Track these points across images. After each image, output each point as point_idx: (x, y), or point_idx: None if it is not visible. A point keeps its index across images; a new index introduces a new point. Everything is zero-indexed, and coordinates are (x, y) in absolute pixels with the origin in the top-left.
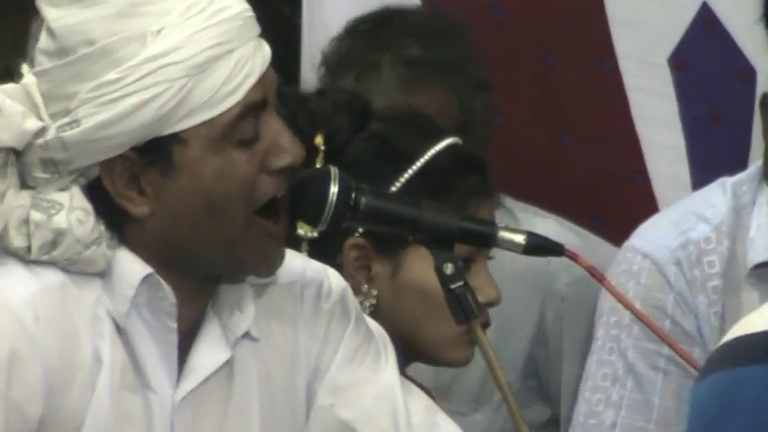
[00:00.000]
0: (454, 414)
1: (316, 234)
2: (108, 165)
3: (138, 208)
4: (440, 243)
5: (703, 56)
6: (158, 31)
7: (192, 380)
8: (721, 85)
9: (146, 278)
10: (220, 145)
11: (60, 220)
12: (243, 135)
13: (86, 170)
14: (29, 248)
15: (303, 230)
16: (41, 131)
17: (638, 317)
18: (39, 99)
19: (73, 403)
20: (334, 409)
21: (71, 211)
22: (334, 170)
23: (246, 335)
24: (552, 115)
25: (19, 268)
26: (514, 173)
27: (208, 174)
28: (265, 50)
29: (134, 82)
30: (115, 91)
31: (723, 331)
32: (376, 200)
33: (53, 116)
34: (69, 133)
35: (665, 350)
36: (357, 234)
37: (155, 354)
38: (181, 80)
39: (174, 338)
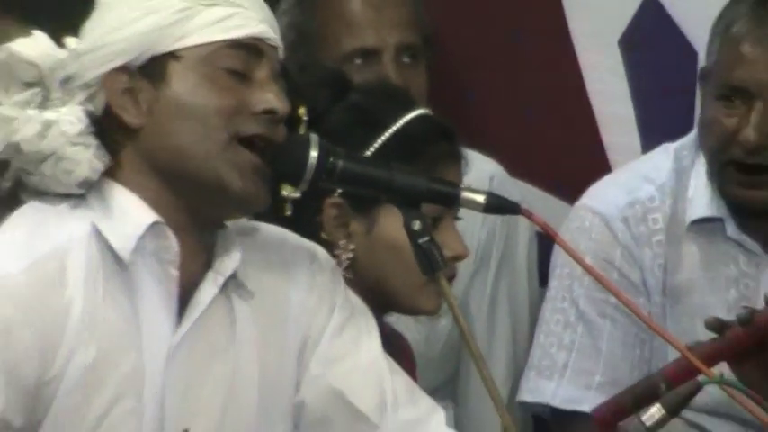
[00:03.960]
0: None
1: (298, 194)
2: (110, 75)
3: (133, 119)
4: (409, 202)
5: (650, 38)
6: None
7: (185, 324)
8: (666, 63)
9: (153, 226)
10: (210, 65)
11: (51, 114)
12: (232, 64)
13: (94, 94)
14: (17, 145)
15: (286, 191)
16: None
17: (587, 270)
18: (72, 44)
19: (59, 364)
20: (327, 379)
21: (65, 114)
22: (314, 136)
23: (235, 279)
24: (517, 90)
25: (17, 238)
26: (486, 143)
27: (191, 83)
28: (270, 31)
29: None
30: (128, 6)
31: (666, 282)
32: (351, 163)
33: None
34: (81, 45)
35: (613, 299)
36: (336, 194)
37: (155, 299)
38: (183, 2)
39: (175, 287)
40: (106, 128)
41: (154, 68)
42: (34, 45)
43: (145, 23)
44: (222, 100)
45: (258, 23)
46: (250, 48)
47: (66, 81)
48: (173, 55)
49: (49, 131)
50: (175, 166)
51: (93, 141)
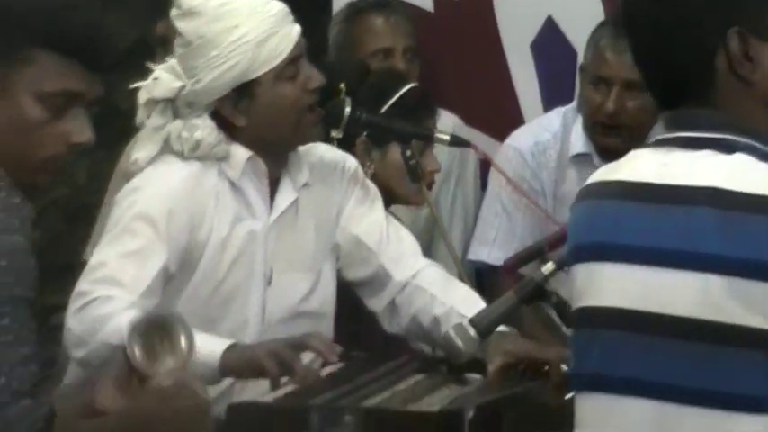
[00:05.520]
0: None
1: (341, 135)
2: (220, 100)
3: (239, 121)
4: (403, 140)
5: (548, 45)
6: (236, 25)
7: (277, 211)
8: (558, 61)
9: (250, 158)
10: (278, 81)
11: (198, 135)
12: (290, 74)
13: (209, 105)
14: (182, 151)
15: (334, 134)
16: (182, 88)
17: (509, 181)
18: (180, 71)
19: (202, 236)
20: (349, 228)
21: (204, 128)
22: (347, 100)
23: (305, 185)
24: (471, 76)
25: (173, 162)
26: (452, 105)
27: (274, 96)
28: (297, 28)
29: (227, 54)
30: (217, 61)
31: (555, 192)
32: (369, 116)
33: (188, 77)
34: (197, 87)
35: (525, 200)
36: (363, 135)
37: (256, 198)
38: (253, 50)
39: (267, 189)
40: (221, 120)
41: (245, 90)
42: (162, 85)
43: (238, 66)
44: (294, 98)
45: (292, 31)
46: (296, 57)
47: (190, 105)
48: (254, 81)
49: (201, 144)
50: (272, 142)
51: (220, 136)
